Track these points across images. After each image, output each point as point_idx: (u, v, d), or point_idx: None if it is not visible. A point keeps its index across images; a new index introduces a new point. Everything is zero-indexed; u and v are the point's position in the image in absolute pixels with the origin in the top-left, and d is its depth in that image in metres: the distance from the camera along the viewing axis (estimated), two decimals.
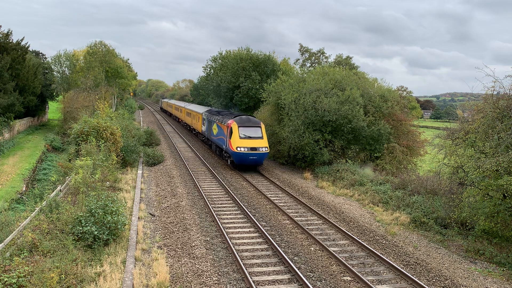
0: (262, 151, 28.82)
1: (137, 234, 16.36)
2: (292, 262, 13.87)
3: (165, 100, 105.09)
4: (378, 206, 21.79)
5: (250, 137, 29.02)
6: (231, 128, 29.56)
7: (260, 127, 30.10)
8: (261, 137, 29.41)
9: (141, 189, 23.97)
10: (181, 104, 70.52)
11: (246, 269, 13.12)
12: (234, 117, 30.98)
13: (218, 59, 66.86)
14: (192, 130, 53.67)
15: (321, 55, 59.24)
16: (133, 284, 12.27)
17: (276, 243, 15.68)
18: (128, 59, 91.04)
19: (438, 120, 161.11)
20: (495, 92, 17.13)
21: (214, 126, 35.64)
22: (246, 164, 29.49)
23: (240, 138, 28.83)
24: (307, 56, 60.12)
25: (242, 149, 28.52)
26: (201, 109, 47.56)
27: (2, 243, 12.38)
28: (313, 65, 58.31)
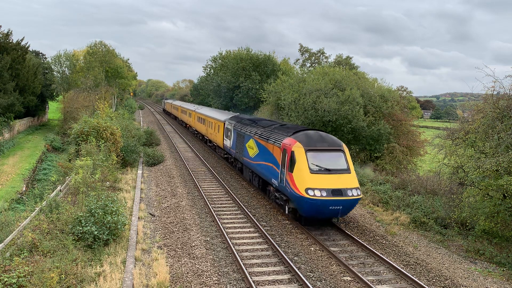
0: (352, 196, 16.54)
1: (137, 234, 16.36)
2: (292, 262, 13.87)
3: (169, 101, 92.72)
4: (378, 206, 21.80)
5: (328, 171, 16.86)
6: (292, 153, 17.27)
7: (342, 150, 17.70)
8: (347, 170, 17.19)
9: (141, 189, 23.96)
10: (190, 106, 56.93)
11: (246, 269, 13.12)
12: (293, 133, 18.59)
13: (218, 59, 66.94)
14: (207, 141, 41.73)
15: (321, 55, 59.29)
16: (133, 284, 12.27)
17: (276, 243, 15.67)
18: (128, 59, 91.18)
19: (438, 120, 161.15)
20: (495, 92, 17.16)
21: (251, 144, 23.37)
22: (323, 218, 17.85)
23: (312, 172, 16.68)
24: (307, 56, 60.19)
25: (317, 193, 16.22)
26: (221, 115, 35.01)
27: (2, 243, 12.38)
28: (313, 65, 58.34)
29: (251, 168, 23.62)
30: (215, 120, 35.70)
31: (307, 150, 17.04)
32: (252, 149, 23.11)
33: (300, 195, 16.38)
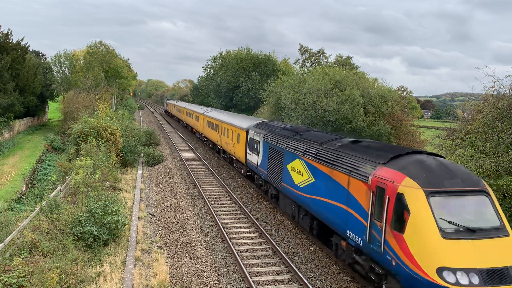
0: None
1: (137, 234, 16.36)
2: (292, 262, 13.86)
3: (171, 101, 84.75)
4: None
5: (472, 232, 9.50)
6: (400, 197, 10.16)
7: (487, 192, 10.42)
8: (502, 229, 9.85)
9: (141, 189, 23.96)
10: (197, 109, 49.41)
11: (246, 269, 13.12)
12: (392, 159, 11.39)
13: (218, 59, 66.98)
14: (220, 152, 34.73)
15: (321, 55, 59.30)
16: (133, 284, 12.26)
17: (276, 243, 15.67)
18: (128, 59, 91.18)
19: (438, 120, 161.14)
20: (495, 92, 17.15)
21: (298, 166, 16.40)
22: None
23: (444, 235, 9.37)
24: (307, 56, 60.21)
25: (462, 278, 8.85)
26: (243, 121, 27.83)
27: (2, 243, 12.38)
28: (313, 65, 58.37)
29: (298, 201, 16.08)
30: (233, 127, 28.38)
31: (429, 194, 9.77)
32: (300, 174, 15.93)
33: (427, 280, 9.00)
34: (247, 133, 24.71)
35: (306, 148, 15.77)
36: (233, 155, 28.84)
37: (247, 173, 26.03)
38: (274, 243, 15.38)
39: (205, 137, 42.00)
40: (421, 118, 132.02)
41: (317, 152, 14.84)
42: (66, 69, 63.21)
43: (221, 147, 33.05)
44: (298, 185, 16.11)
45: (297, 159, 16.35)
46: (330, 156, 13.87)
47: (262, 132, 21.74)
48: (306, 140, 16.55)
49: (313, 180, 14.82)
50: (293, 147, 16.90)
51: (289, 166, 17.24)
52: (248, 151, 24.16)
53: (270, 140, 19.95)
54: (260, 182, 22.72)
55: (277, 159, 18.83)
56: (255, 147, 22.55)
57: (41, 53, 71.88)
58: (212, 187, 25.01)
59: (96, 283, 11.96)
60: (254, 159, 22.76)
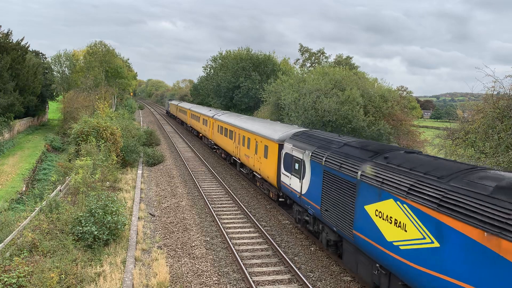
0: None
1: (137, 234, 16.36)
2: (292, 262, 13.86)
3: (174, 102, 78.70)
4: None
5: None
6: None
7: None
8: None
9: (141, 189, 23.96)
10: (205, 111, 42.49)
11: (246, 269, 13.12)
12: None
13: (218, 59, 66.96)
14: (238, 165, 28.46)
15: (321, 55, 59.30)
16: (133, 284, 12.27)
17: (276, 243, 15.67)
18: (128, 59, 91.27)
19: (438, 120, 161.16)
20: (495, 92, 17.16)
21: (395, 212, 10.07)
22: None
23: None
24: (307, 56, 60.22)
25: None
26: (273, 130, 21.02)
27: (2, 243, 12.38)
28: (313, 65, 58.38)
29: (391, 269, 10.31)
30: (257, 136, 22.43)
31: None
32: (398, 227, 9.95)
33: None
34: (280, 147, 18.93)
35: (412, 184, 9.62)
36: (256, 172, 22.71)
37: (280, 199, 19.98)
38: (274, 243, 15.38)
39: (216, 145, 35.91)
40: (421, 118, 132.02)
41: (442, 195, 8.73)
42: (66, 69, 63.30)
43: (239, 159, 26.99)
44: (395, 244, 9.95)
45: (391, 200, 10.13)
46: (484, 208, 7.71)
47: (308, 148, 15.63)
48: (404, 169, 10.36)
49: (437, 245, 8.69)
50: (379, 178, 10.73)
51: (370, 208, 11.03)
52: (283, 171, 18.36)
53: (326, 161, 13.79)
54: (306, 218, 16.19)
55: (342, 192, 12.60)
56: (296, 167, 16.58)
57: (41, 53, 71.95)
58: (212, 187, 25.02)
59: (96, 283, 11.96)
60: (295, 184, 16.71)
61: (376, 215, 10.76)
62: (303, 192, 15.78)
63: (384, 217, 10.43)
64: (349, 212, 12.10)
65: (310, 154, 15.18)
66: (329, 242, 14.24)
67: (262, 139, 21.41)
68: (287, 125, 22.47)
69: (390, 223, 10.18)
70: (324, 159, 13.98)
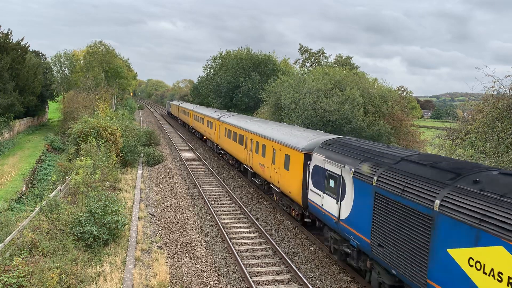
0: None
1: (137, 234, 16.36)
2: (292, 262, 13.86)
3: (175, 102, 75.44)
4: None
5: None
6: None
7: None
8: None
9: (141, 189, 23.97)
10: (210, 113, 39.25)
11: (246, 269, 13.12)
12: None
13: (218, 59, 66.93)
14: (250, 173, 24.95)
15: (321, 55, 59.30)
16: (133, 284, 12.27)
17: (276, 243, 15.67)
18: (128, 59, 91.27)
19: (438, 120, 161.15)
20: (495, 92, 17.16)
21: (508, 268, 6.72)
22: None
23: None
24: (307, 56, 60.21)
25: None
26: (294, 136, 18.08)
27: (2, 243, 12.38)
28: (313, 65, 58.38)
29: None
30: (275, 142, 19.46)
31: None
32: None
33: None
34: (306, 157, 15.85)
35: None
36: (274, 184, 19.72)
37: (306, 219, 16.73)
38: (274, 243, 15.38)
39: (222, 150, 32.80)
40: (421, 118, 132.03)
41: None
42: (66, 69, 63.30)
43: (251, 168, 23.95)
44: None
45: (501, 248, 7.03)
46: None
47: (348, 162, 12.58)
48: None
49: None
50: (475, 214, 7.66)
51: (459, 254, 7.94)
52: (311, 187, 15.27)
53: (378, 181, 10.73)
54: (346, 250, 12.86)
55: (407, 225, 9.50)
56: (331, 184, 13.52)
57: (41, 53, 71.98)
58: (212, 187, 25.02)
59: (96, 283, 11.96)
60: (329, 205, 13.61)
61: (471, 266, 7.59)
62: (342, 217, 12.59)
63: (487, 271, 7.22)
64: (421, 254, 8.94)
65: (353, 170, 12.02)
66: (382, 285, 11.06)
67: (282, 147, 18.39)
68: (309, 130, 19.23)
69: (500, 281, 6.94)
70: (375, 178, 10.83)
